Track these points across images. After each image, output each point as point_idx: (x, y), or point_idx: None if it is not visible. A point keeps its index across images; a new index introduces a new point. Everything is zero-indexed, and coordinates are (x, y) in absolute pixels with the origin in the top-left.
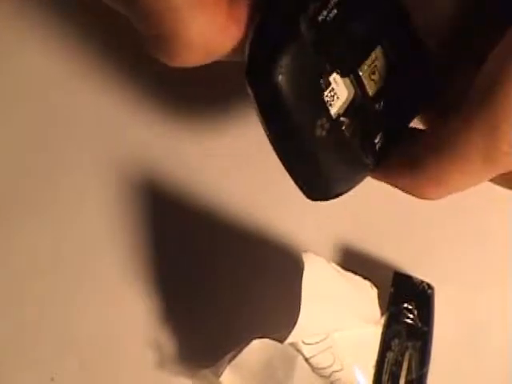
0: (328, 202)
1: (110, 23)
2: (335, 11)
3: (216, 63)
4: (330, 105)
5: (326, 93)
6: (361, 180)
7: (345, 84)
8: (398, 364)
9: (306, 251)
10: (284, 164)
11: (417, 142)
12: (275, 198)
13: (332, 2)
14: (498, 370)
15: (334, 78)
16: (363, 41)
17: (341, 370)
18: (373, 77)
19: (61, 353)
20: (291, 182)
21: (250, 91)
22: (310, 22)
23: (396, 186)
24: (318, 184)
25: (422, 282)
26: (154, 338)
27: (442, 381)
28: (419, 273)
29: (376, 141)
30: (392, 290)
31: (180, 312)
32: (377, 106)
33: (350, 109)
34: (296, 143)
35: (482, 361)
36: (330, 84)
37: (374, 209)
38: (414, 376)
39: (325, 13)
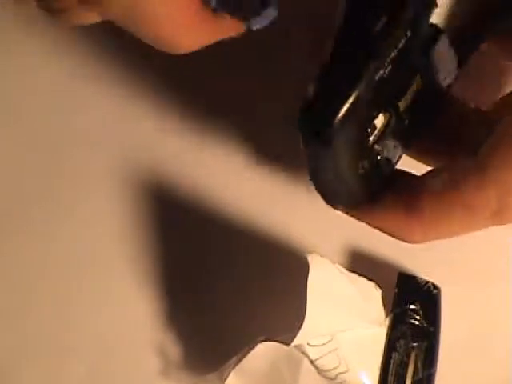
0: None
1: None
2: (390, 67)
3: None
4: (370, 140)
5: (371, 138)
6: None
7: (383, 116)
8: (404, 365)
9: (311, 253)
10: (321, 194)
11: (414, 184)
12: (281, 201)
13: (389, 59)
14: (506, 370)
15: (378, 117)
16: (407, 80)
17: (346, 371)
18: (406, 98)
19: (67, 359)
20: (297, 185)
21: (301, 139)
22: (368, 82)
23: (382, 229)
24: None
25: (427, 282)
26: (159, 342)
27: (449, 381)
28: (424, 273)
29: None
30: (396, 290)
31: (185, 315)
32: (405, 121)
33: (384, 133)
34: (340, 186)
35: (489, 361)
36: (375, 128)
37: None
38: (420, 376)
39: (381, 71)
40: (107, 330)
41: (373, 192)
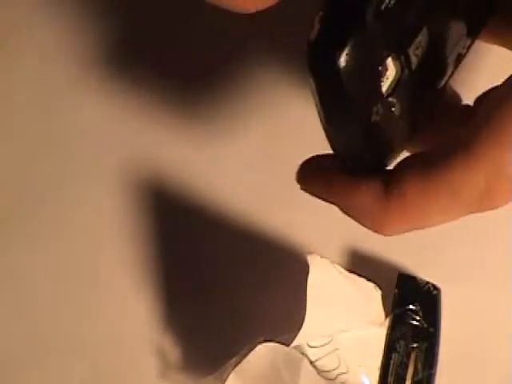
0: (333, 205)
1: (116, 25)
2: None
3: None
4: (383, 88)
5: (383, 78)
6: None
7: (394, 64)
8: (404, 365)
9: (310, 253)
10: (335, 150)
11: (397, 165)
12: (281, 201)
13: None
14: (506, 371)
15: (388, 61)
16: (415, 22)
17: (346, 372)
18: (416, 52)
19: (71, 359)
20: (298, 186)
21: (310, 76)
22: (374, 11)
23: (350, 210)
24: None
25: (427, 283)
26: (159, 343)
27: (449, 381)
28: (424, 274)
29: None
30: (396, 291)
31: (185, 316)
32: (418, 78)
33: (397, 87)
34: (353, 131)
35: (489, 361)
36: (386, 69)
37: None
38: (420, 377)
39: (387, 0)
40: (107, 331)
41: (381, 153)
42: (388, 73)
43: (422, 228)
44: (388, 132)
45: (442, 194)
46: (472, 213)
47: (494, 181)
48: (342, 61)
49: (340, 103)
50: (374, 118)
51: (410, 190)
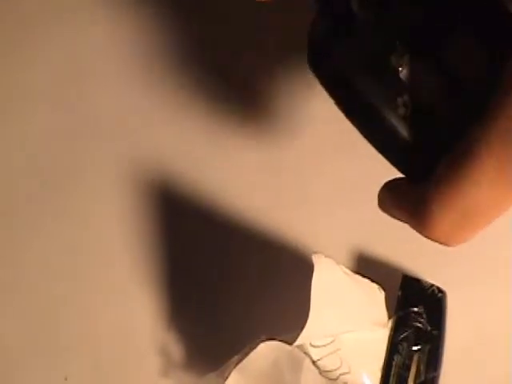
0: (339, 206)
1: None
2: None
3: None
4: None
5: (403, 70)
6: None
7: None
8: (406, 367)
9: (315, 253)
10: (368, 139)
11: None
12: (288, 202)
13: None
14: (510, 373)
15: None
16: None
17: (348, 372)
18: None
19: (74, 354)
20: (304, 186)
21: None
22: (360, 2)
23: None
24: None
25: (432, 285)
26: (161, 341)
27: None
28: (429, 276)
29: None
30: (400, 293)
31: (188, 315)
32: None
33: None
34: (376, 122)
35: (493, 363)
36: (403, 63)
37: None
38: (423, 379)
39: None
40: (110, 329)
41: (419, 147)
42: (404, 61)
43: (479, 223)
44: (417, 126)
45: (465, 176)
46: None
47: (505, 136)
48: (334, 60)
49: (348, 96)
50: (400, 111)
51: (440, 174)
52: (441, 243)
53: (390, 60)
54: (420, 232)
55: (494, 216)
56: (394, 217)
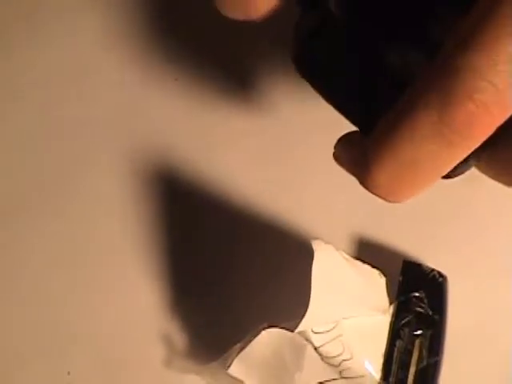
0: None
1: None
2: None
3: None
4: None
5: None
6: None
7: None
8: (408, 352)
9: (315, 239)
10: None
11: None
12: (287, 188)
13: None
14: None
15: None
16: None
17: (350, 358)
18: None
19: (77, 348)
20: (304, 173)
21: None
22: (339, 1)
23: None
24: None
25: (433, 270)
26: (164, 330)
27: (454, 368)
28: (430, 261)
29: None
30: (401, 278)
31: (190, 304)
32: None
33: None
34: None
35: (495, 348)
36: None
37: None
38: (425, 364)
39: None
40: (113, 319)
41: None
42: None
43: (418, 179)
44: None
45: (404, 121)
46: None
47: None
48: (317, 54)
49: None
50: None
51: (379, 127)
52: (381, 198)
53: (373, 51)
54: (362, 185)
55: (435, 172)
56: (346, 169)
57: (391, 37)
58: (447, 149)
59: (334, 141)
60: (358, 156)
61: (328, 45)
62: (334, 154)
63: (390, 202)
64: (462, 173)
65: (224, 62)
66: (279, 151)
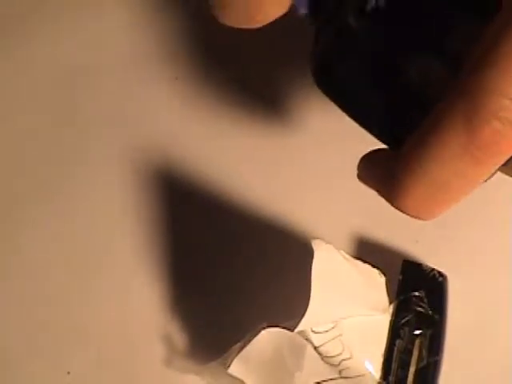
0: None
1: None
2: None
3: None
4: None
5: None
6: None
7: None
8: (408, 352)
9: (315, 238)
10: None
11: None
12: (287, 188)
13: None
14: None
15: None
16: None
17: (350, 358)
18: None
19: (77, 348)
20: (304, 173)
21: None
22: (357, 13)
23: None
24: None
25: (433, 269)
26: (164, 330)
27: (454, 367)
28: (430, 261)
29: None
30: (401, 277)
31: (190, 303)
32: None
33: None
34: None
35: (494, 347)
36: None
37: None
38: (425, 363)
39: (373, 1)
40: (113, 318)
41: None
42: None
43: (447, 196)
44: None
45: (432, 144)
46: (486, 160)
47: (472, 105)
48: (341, 76)
49: (351, 109)
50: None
51: (408, 147)
52: (412, 217)
53: (394, 64)
54: (392, 205)
55: (465, 190)
56: (371, 187)
57: (412, 50)
58: (476, 167)
59: (335, 141)
60: (384, 175)
61: (348, 59)
62: (357, 174)
63: (419, 219)
64: (490, 178)
65: (224, 61)
66: (279, 151)
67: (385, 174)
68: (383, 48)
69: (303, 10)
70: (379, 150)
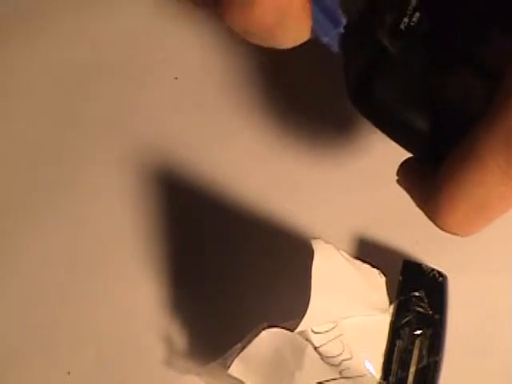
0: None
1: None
2: (418, 14)
3: None
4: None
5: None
6: None
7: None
8: (408, 352)
9: (315, 238)
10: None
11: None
12: (288, 188)
13: (411, 7)
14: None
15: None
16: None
17: (350, 358)
18: None
19: (77, 348)
20: (304, 173)
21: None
22: (391, 33)
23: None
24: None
25: (433, 269)
26: (164, 330)
27: (454, 367)
28: (430, 261)
29: None
30: (401, 278)
31: (190, 303)
32: None
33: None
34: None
35: (494, 349)
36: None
37: (384, 197)
38: (425, 363)
39: (406, 20)
40: (113, 318)
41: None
42: None
43: (485, 216)
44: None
45: (471, 173)
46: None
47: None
48: (376, 96)
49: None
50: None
51: (448, 169)
52: (453, 234)
53: (429, 81)
54: (432, 222)
55: (503, 210)
56: (411, 198)
57: (451, 67)
58: None
59: (335, 142)
60: (424, 192)
61: (385, 80)
62: (397, 180)
63: (462, 236)
64: None
65: (224, 61)
66: (279, 151)
67: (424, 191)
68: (421, 66)
69: (335, 49)
70: (413, 159)
